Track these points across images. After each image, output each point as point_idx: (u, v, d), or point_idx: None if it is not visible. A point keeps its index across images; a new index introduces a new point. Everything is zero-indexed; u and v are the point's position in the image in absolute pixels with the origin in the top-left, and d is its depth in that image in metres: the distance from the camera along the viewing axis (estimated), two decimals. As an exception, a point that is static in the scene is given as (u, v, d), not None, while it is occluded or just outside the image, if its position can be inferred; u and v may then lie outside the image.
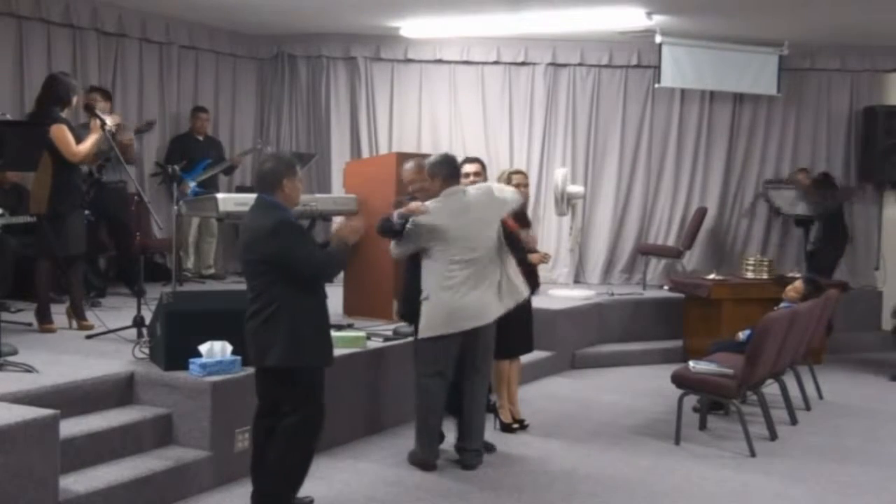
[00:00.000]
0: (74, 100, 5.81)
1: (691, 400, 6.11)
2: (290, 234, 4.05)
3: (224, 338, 4.75)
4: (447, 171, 5.09)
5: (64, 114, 5.79)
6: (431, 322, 4.99)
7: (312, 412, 4.17)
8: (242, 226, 4.33)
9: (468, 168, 5.57)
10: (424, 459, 5.13)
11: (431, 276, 5.01)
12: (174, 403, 4.71)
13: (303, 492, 4.34)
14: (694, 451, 5.65)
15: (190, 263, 8.88)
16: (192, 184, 8.17)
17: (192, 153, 8.47)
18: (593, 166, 9.85)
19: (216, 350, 4.72)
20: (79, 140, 5.72)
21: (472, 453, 5.18)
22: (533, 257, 5.88)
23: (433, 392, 5.08)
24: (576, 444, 5.76)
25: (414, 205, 5.01)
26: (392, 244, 5.16)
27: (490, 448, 5.40)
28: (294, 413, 4.14)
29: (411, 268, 5.24)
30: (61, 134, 5.60)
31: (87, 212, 6.11)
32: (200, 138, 8.78)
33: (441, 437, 5.29)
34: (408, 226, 4.96)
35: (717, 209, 9.89)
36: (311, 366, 4.14)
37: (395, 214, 5.01)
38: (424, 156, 5.77)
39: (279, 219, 4.06)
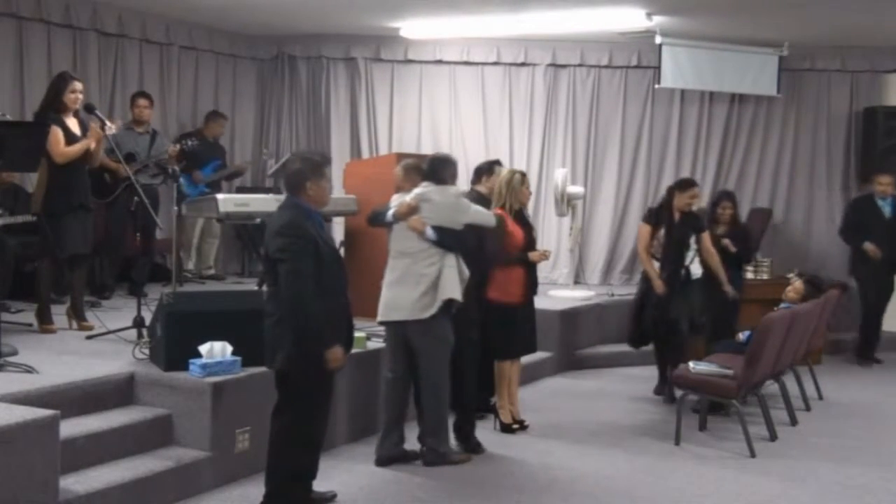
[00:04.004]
0: (70, 99, 5.79)
1: (691, 401, 6.12)
2: (291, 239, 4.04)
3: (224, 338, 4.76)
4: (427, 170, 5.27)
5: (67, 114, 5.79)
6: (379, 308, 5.24)
7: (306, 418, 4.19)
8: None
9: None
10: (377, 455, 5.22)
11: (387, 266, 5.27)
12: (174, 404, 4.71)
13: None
14: (694, 452, 5.65)
15: (191, 264, 8.88)
16: (204, 174, 8.40)
17: (203, 152, 8.50)
18: (593, 167, 9.85)
19: (216, 350, 4.72)
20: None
21: (423, 449, 5.25)
22: (533, 255, 5.89)
23: (385, 387, 5.31)
24: (576, 444, 5.76)
25: (406, 208, 5.12)
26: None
27: (439, 456, 5.22)
28: (287, 415, 4.18)
29: None
30: (51, 135, 5.61)
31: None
32: (210, 139, 8.81)
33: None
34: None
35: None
36: (317, 369, 4.13)
37: (391, 214, 5.18)
38: (418, 157, 6.00)
39: (288, 221, 4.09)
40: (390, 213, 5.17)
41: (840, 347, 8.77)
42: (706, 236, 6.82)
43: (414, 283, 5.07)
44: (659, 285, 6.61)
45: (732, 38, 9.13)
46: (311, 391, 4.17)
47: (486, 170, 6.12)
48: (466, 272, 5.19)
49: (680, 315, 6.61)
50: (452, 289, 5.09)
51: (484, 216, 5.42)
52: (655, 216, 6.88)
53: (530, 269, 5.95)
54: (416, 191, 5.18)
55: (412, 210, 5.09)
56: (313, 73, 9.87)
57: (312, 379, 4.14)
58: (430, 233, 5.08)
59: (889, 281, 8.55)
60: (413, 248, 5.11)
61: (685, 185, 6.87)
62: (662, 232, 6.73)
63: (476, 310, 5.48)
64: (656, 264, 6.76)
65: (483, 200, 5.72)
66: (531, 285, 5.98)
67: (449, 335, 5.15)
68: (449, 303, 5.07)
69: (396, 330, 5.19)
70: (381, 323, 5.28)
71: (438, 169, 5.25)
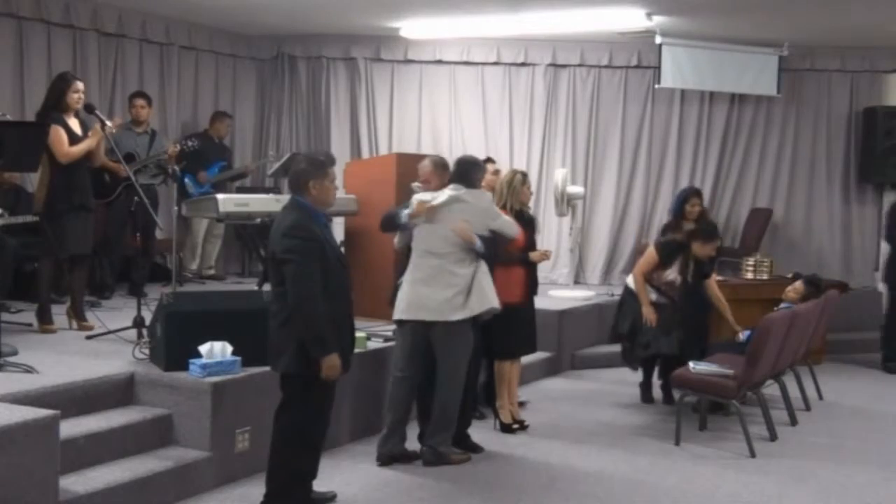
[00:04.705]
0: (72, 99, 5.79)
1: (691, 401, 6.12)
2: (299, 241, 4.02)
3: (224, 338, 4.75)
4: (457, 172, 5.27)
5: (69, 114, 5.79)
6: (398, 306, 5.18)
7: (308, 419, 4.20)
8: None
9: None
10: (378, 452, 5.21)
11: (410, 264, 5.20)
12: (174, 404, 4.71)
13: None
14: (694, 452, 5.65)
15: (195, 265, 8.87)
16: (210, 174, 8.42)
17: (209, 153, 8.51)
18: (593, 166, 9.86)
19: (216, 350, 4.72)
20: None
21: (423, 449, 5.23)
22: (534, 255, 5.90)
23: (394, 386, 5.25)
24: (576, 444, 5.76)
25: (419, 206, 5.11)
26: (396, 236, 5.41)
27: (439, 456, 5.20)
28: (289, 415, 4.19)
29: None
30: (55, 135, 5.62)
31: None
32: (217, 140, 8.82)
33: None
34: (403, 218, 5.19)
35: (715, 210, 9.89)
36: (320, 371, 4.11)
37: (404, 215, 5.16)
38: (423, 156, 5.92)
39: (293, 222, 4.07)
40: (405, 213, 5.12)
41: (840, 348, 8.76)
42: (712, 281, 6.69)
43: (445, 284, 5.04)
44: (649, 311, 6.39)
45: (732, 38, 9.13)
46: (313, 392, 4.17)
47: None
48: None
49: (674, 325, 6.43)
50: (493, 297, 5.14)
51: (510, 227, 5.39)
52: (669, 255, 6.46)
53: (531, 269, 5.95)
54: (448, 192, 5.17)
55: (431, 212, 5.07)
56: (313, 73, 9.88)
57: (315, 380, 4.14)
58: (479, 245, 5.10)
59: None
60: (442, 249, 5.08)
61: (711, 236, 6.49)
62: (668, 273, 6.44)
63: None
64: (651, 293, 6.48)
65: None
66: (532, 285, 5.99)
67: (471, 338, 5.16)
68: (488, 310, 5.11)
69: (417, 329, 5.13)
70: (400, 321, 5.20)
71: (469, 171, 5.26)
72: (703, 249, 6.42)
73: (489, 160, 6.47)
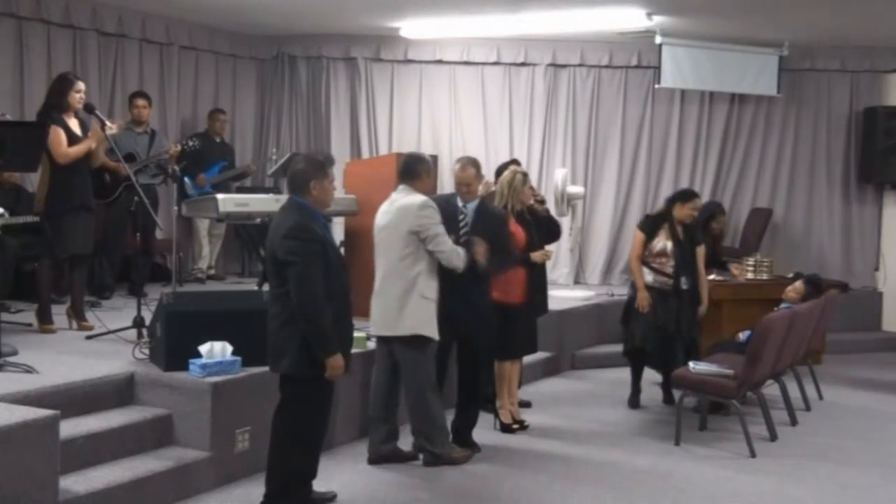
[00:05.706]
0: (74, 99, 5.80)
1: (691, 401, 6.12)
2: (300, 243, 4.01)
3: (224, 338, 4.76)
4: (400, 170, 5.17)
5: (69, 115, 5.80)
6: None
7: (307, 420, 4.21)
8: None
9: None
10: (368, 452, 5.21)
11: None
12: (174, 404, 4.72)
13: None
14: (694, 452, 5.65)
15: (203, 263, 8.87)
16: (209, 175, 8.42)
17: (209, 154, 8.51)
18: (593, 166, 9.86)
19: (216, 351, 4.72)
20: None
21: (413, 449, 5.23)
22: (535, 256, 5.90)
23: (373, 382, 5.24)
24: (576, 444, 5.76)
25: None
26: None
27: (438, 457, 5.18)
28: (289, 415, 4.20)
29: None
30: (53, 135, 5.63)
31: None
32: (217, 140, 8.82)
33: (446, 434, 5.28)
34: None
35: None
36: (322, 372, 4.12)
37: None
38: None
39: (295, 223, 4.06)
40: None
41: (840, 348, 8.76)
42: (701, 250, 6.64)
43: (381, 299, 5.03)
44: (643, 297, 6.39)
45: (732, 38, 9.14)
46: (313, 393, 4.17)
47: (500, 172, 6.17)
48: (433, 293, 5.00)
49: (669, 322, 6.40)
50: (426, 324, 4.97)
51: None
52: (651, 226, 6.55)
53: (532, 269, 5.93)
54: (392, 196, 5.13)
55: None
56: (313, 73, 9.88)
57: (315, 381, 4.14)
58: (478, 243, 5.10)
59: None
60: (381, 262, 5.05)
61: (687, 196, 6.59)
62: (655, 243, 6.47)
63: (493, 308, 5.41)
64: (648, 275, 6.49)
65: None
66: (532, 286, 5.95)
67: (420, 348, 5.02)
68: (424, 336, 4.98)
69: (388, 342, 5.14)
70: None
71: (412, 166, 5.10)
72: (683, 210, 6.48)
73: (515, 161, 6.41)
